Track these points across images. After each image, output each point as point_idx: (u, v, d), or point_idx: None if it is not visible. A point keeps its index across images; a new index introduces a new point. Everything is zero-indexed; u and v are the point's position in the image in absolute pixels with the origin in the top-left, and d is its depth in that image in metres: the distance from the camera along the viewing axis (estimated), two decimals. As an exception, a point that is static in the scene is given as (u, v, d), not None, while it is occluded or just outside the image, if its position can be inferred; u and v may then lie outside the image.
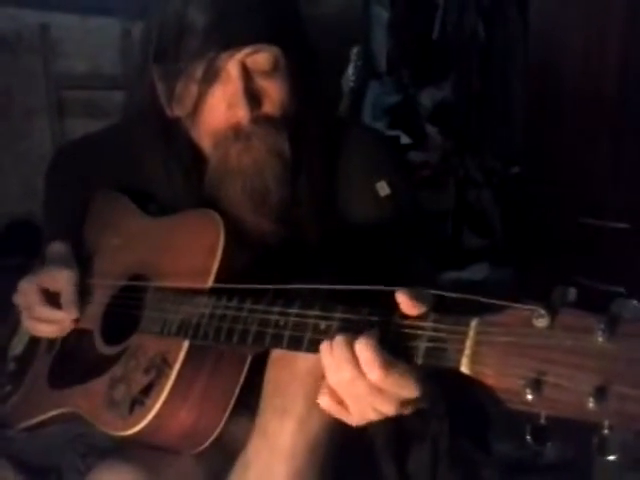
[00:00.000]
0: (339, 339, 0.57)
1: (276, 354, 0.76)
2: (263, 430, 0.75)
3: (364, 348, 0.55)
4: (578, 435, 0.52)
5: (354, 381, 0.57)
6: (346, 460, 0.77)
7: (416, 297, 0.56)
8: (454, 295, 0.52)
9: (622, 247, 1.85)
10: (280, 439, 0.73)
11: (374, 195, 0.89)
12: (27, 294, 0.90)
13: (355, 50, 2.38)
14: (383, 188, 0.89)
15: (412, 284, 0.56)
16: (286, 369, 0.74)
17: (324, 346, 0.59)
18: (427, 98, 2.53)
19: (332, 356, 0.58)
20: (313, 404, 0.72)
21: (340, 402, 0.60)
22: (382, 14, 2.58)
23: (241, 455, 0.77)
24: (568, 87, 2.07)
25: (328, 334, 0.59)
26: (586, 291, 0.47)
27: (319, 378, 0.73)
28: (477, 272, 2.32)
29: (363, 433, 0.69)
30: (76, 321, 0.91)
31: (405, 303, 0.56)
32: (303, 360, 0.73)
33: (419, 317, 0.54)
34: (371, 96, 2.50)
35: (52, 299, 0.90)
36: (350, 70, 2.36)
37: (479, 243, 2.42)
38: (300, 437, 0.73)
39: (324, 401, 0.61)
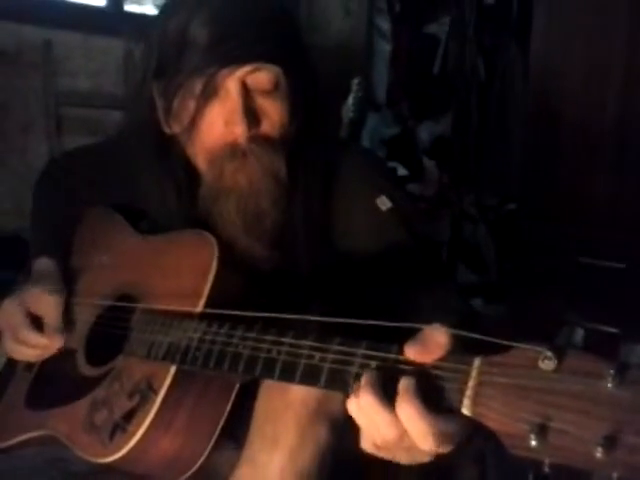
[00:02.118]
0: (370, 399, 0.51)
1: (268, 382, 0.74)
2: (252, 459, 0.73)
3: (413, 418, 0.49)
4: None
5: (399, 441, 0.52)
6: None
7: (424, 347, 0.51)
8: (458, 333, 0.50)
9: (619, 287, 1.84)
10: (269, 469, 0.71)
11: (375, 211, 0.86)
12: (11, 315, 0.87)
13: (356, 81, 2.39)
14: (384, 203, 0.86)
15: (435, 305, 0.53)
16: (278, 398, 0.72)
17: (353, 406, 0.53)
18: (425, 132, 2.55)
19: (367, 416, 0.52)
20: (305, 434, 0.70)
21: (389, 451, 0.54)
22: (384, 47, 2.61)
23: None
24: (566, 125, 2.09)
25: (323, 367, 0.56)
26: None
27: (312, 407, 0.71)
28: (470, 307, 2.30)
29: (359, 461, 0.66)
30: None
31: (416, 357, 0.52)
32: (296, 389, 0.71)
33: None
34: (370, 127, 2.51)
35: (37, 321, 0.88)
36: (350, 100, 2.37)
37: (473, 278, 2.41)
38: (290, 468, 0.71)
39: (371, 450, 0.55)
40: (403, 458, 0.54)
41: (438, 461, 0.54)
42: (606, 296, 1.83)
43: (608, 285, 1.88)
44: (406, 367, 0.52)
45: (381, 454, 0.54)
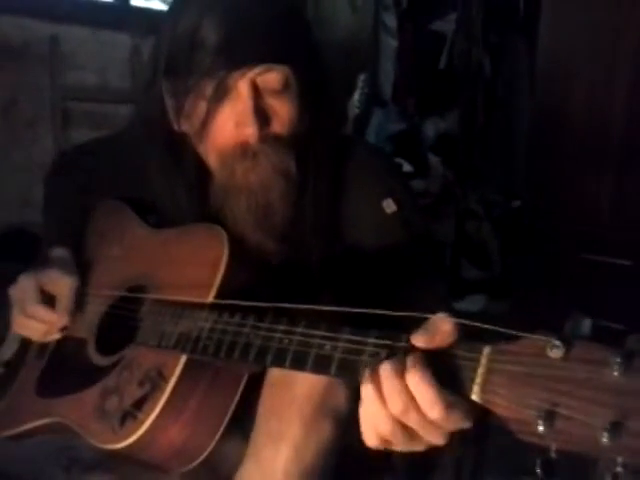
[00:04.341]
0: (387, 370, 0.53)
1: (273, 376, 0.75)
2: (257, 454, 0.74)
3: (421, 385, 0.51)
4: (574, 471, 0.51)
5: (405, 413, 0.53)
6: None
7: (431, 336, 0.53)
8: (467, 323, 0.51)
9: (622, 284, 1.85)
10: (274, 465, 0.72)
11: (381, 213, 0.88)
12: (24, 289, 0.89)
13: (362, 77, 2.40)
14: (389, 206, 0.88)
15: (422, 308, 0.54)
16: (283, 393, 0.73)
17: (366, 377, 0.54)
18: (431, 128, 2.55)
19: (378, 389, 0.53)
20: (309, 429, 0.71)
21: (387, 441, 0.55)
22: (390, 43, 2.61)
23: (233, 478, 0.75)
24: (572, 123, 2.09)
25: (334, 355, 0.57)
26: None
27: (316, 403, 0.72)
28: (474, 303, 2.32)
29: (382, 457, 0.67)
30: (64, 329, 0.90)
31: (423, 345, 0.53)
32: (301, 384, 0.72)
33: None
34: (375, 123, 2.51)
35: (48, 299, 0.89)
36: (356, 96, 2.38)
37: (477, 275, 2.42)
38: (295, 463, 0.71)
39: (371, 440, 0.56)
40: (401, 445, 0.55)
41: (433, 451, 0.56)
42: (611, 293, 1.84)
43: (613, 282, 1.88)
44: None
45: (380, 442, 0.55)
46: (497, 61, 2.54)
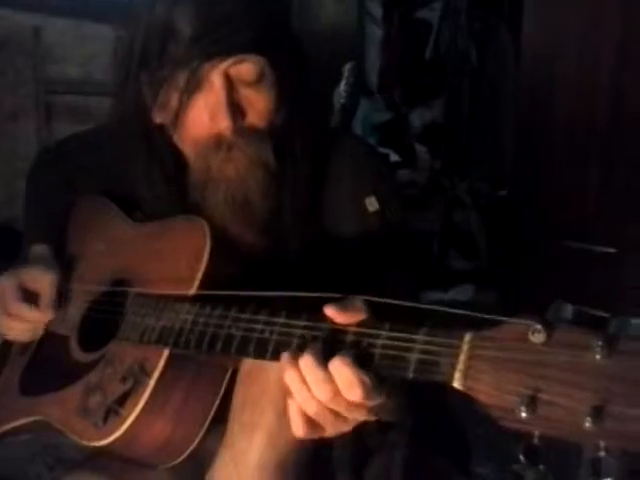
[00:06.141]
0: (309, 360, 0.56)
1: (246, 368, 0.74)
2: (231, 445, 0.73)
3: (341, 368, 0.55)
4: (558, 459, 0.51)
5: (333, 399, 0.56)
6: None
7: (343, 307, 0.58)
8: (450, 310, 0.51)
9: (608, 272, 1.86)
10: (249, 454, 0.71)
11: (363, 210, 0.88)
12: (5, 290, 0.87)
13: (348, 67, 2.39)
14: (372, 204, 0.88)
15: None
16: (256, 383, 0.72)
17: (290, 366, 0.58)
18: (417, 117, 2.55)
19: (303, 377, 0.57)
20: (283, 418, 0.70)
21: (315, 424, 0.59)
22: (376, 32, 2.60)
23: (209, 470, 0.75)
24: (558, 111, 2.10)
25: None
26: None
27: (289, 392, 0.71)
28: (461, 293, 2.33)
29: (323, 446, 0.70)
30: (48, 325, 0.89)
31: (334, 315, 0.58)
32: (273, 374, 0.71)
33: (410, 330, 0.53)
34: (362, 113, 2.51)
35: (29, 299, 0.88)
36: (342, 86, 2.37)
37: (464, 264, 2.43)
38: (269, 452, 0.71)
39: (299, 429, 0.60)
40: (330, 426, 0.59)
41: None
42: (596, 281, 1.85)
43: (598, 270, 1.90)
44: (345, 337, 0.58)
45: (309, 428, 0.59)
46: (482, 49, 2.54)
